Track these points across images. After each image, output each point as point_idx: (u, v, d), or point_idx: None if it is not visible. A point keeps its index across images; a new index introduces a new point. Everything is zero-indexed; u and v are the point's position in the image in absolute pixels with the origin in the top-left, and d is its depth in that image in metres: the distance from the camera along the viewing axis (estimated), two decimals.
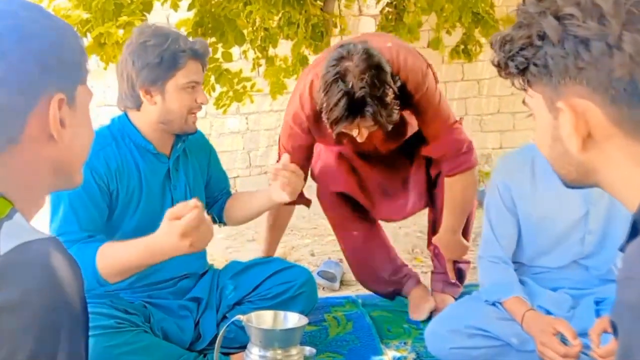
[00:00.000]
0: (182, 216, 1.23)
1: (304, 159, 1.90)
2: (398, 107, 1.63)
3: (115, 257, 1.34)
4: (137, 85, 1.51)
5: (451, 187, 1.93)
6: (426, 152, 1.92)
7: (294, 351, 1.27)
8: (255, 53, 4.26)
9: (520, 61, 0.71)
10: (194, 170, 1.73)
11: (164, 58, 1.48)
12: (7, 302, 0.57)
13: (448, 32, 4.34)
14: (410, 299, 2.08)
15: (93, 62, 4.91)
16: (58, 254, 0.62)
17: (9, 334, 0.56)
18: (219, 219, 1.85)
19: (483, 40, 4.41)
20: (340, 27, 4.24)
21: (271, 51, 4.26)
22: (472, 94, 5.60)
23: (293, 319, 1.39)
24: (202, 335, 1.62)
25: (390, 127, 1.64)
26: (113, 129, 1.60)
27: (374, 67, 1.56)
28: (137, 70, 1.50)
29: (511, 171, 1.67)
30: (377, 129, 1.66)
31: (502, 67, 0.75)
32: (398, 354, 1.75)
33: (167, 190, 1.64)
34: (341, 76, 1.56)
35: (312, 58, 4.51)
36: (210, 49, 3.13)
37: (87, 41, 3.15)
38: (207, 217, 1.28)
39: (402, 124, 1.85)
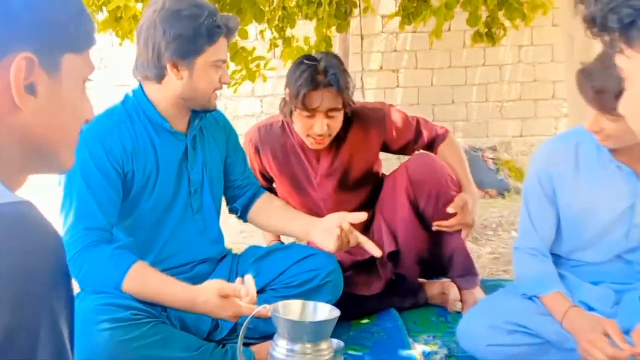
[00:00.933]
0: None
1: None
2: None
3: (149, 286, 1.33)
4: (165, 57, 1.40)
5: (445, 154, 1.94)
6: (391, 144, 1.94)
7: (324, 345, 1.16)
8: (272, 33, 4.16)
9: (627, 13, 0.60)
10: (210, 149, 1.63)
11: (199, 32, 1.38)
12: None
13: (468, 22, 4.19)
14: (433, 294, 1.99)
15: (107, 41, 4.84)
16: (32, 218, 0.54)
17: None
18: (240, 214, 1.75)
19: (507, 23, 4.28)
20: (361, 6, 4.11)
21: (289, 32, 4.16)
22: (493, 80, 5.47)
23: (324, 311, 1.27)
24: (220, 325, 1.53)
25: (348, 107, 1.80)
26: (127, 105, 1.50)
27: (336, 57, 1.84)
28: (167, 41, 1.38)
29: (554, 160, 1.56)
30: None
31: (596, 22, 0.64)
32: (428, 349, 1.65)
33: (184, 169, 1.55)
34: (307, 57, 1.78)
35: (335, 39, 4.45)
36: None
37: (103, 16, 3.07)
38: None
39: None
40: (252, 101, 5.56)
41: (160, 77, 1.44)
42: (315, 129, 1.74)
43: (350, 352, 1.63)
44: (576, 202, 1.54)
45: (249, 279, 1.33)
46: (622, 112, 0.83)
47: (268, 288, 1.62)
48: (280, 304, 1.25)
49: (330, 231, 1.50)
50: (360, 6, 4.10)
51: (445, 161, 1.89)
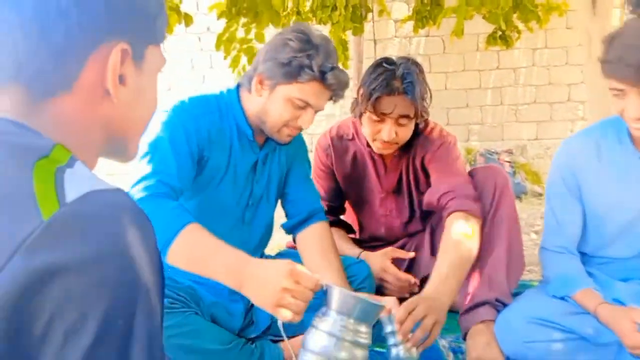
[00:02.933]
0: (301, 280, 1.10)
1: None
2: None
3: (200, 246, 1.19)
4: (257, 70, 1.45)
5: (447, 240, 1.57)
6: (432, 184, 1.75)
7: (364, 329, 1.12)
8: None
9: None
10: (279, 167, 1.63)
11: (291, 64, 1.38)
12: (76, 258, 0.49)
13: (485, 18, 4.19)
14: None
15: None
16: (130, 205, 0.55)
17: (79, 295, 0.48)
18: (288, 231, 1.69)
19: (521, 26, 4.27)
20: (374, 10, 4.12)
21: None
22: (507, 83, 5.45)
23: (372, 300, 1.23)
24: (255, 322, 1.53)
25: (421, 119, 1.74)
26: (221, 100, 1.52)
27: (415, 63, 1.72)
28: (265, 58, 1.43)
29: (576, 155, 1.54)
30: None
31: None
32: (456, 347, 1.63)
33: (250, 181, 1.56)
34: (385, 60, 1.71)
35: (351, 41, 4.45)
36: (241, 28, 3.01)
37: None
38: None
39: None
40: None
41: (248, 88, 1.49)
42: (383, 134, 1.69)
43: (377, 349, 1.61)
44: (600, 197, 1.51)
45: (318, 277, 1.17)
46: None
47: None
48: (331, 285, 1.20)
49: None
50: (374, 10, 4.11)
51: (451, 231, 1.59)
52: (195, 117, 1.43)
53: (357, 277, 1.62)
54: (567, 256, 1.55)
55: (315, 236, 1.60)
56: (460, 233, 1.55)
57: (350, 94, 5.36)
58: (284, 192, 1.68)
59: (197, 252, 1.19)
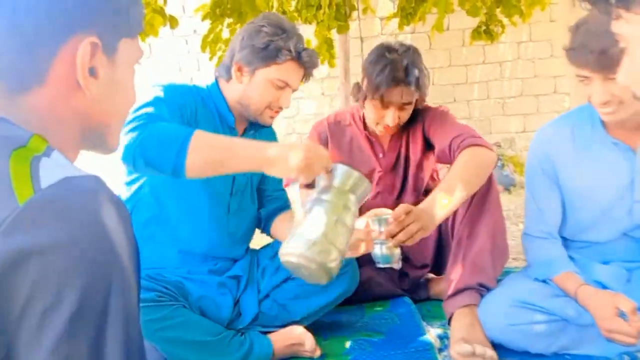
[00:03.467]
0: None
1: None
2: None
3: (215, 145, 1.21)
4: (235, 58, 1.52)
5: (457, 162, 1.62)
6: (436, 144, 1.82)
7: (352, 199, 1.24)
8: None
9: None
10: None
11: (268, 47, 1.48)
12: (51, 240, 0.50)
13: (468, 13, 4.22)
14: None
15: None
16: (105, 191, 0.56)
17: (55, 275, 0.50)
18: (263, 226, 1.78)
19: (505, 20, 4.31)
20: (359, 8, 4.15)
21: None
22: (493, 77, 5.50)
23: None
24: (242, 314, 1.56)
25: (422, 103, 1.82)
26: (200, 90, 1.57)
27: (416, 51, 1.79)
28: (241, 46, 1.52)
29: (551, 140, 1.57)
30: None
31: None
32: (442, 333, 1.66)
33: None
34: (387, 49, 1.77)
35: (335, 42, 4.47)
36: (226, 29, 3.05)
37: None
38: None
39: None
40: None
41: (227, 77, 1.55)
42: (387, 120, 1.78)
43: (365, 338, 1.65)
44: (576, 182, 1.54)
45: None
46: (624, 80, 0.81)
47: (288, 279, 1.64)
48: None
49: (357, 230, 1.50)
50: (359, 8, 4.14)
51: (455, 164, 1.63)
52: (183, 94, 1.48)
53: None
54: (550, 241, 1.58)
55: (289, 217, 1.72)
56: (468, 160, 1.61)
57: (336, 92, 5.37)
58: (260, 187, 1.74)
59: (214, 152, 1.20)
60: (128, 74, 0.72)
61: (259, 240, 1.84)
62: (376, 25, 5.43)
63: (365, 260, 1.87)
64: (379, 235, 1.45)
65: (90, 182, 0.56)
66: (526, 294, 1.51)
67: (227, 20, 3.42)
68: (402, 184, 1.96)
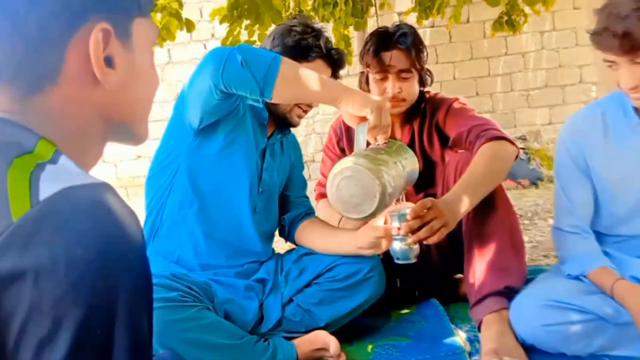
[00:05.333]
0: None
1: None
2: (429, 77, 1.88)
3: (301, 72, 1.30)
4: None
5: (478, 157, 1.57)
6: (449, 131, 1.79)
7: (405, 163, 1.34)
8: None
9: None
10: (283, 166, 1.71)
11: (299, 45, 1.54)
12: (46, 261, 0.45)
13: (489, 3, 4.14)
14: None
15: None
16: (113, 202, 0.50)
17: (51, 301, 0.44)
18: (287, 234, 1.76)
19: (527, 9, 4.20)
20: (376, 4, 4.09)
21: None
22: (517, 69, 5.38)
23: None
24: (265, 318, 1.52)
25: (416, 77, 1.80)
26: None
27: (411, 27, 1.82)
28: (272, 45, 1.56)
29: (581, 129, 1.49)
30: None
31: None
32: (473, 335, 1.59)
33: (259, 166, 1.60)
34: (379, 27, 1.86)
35: (353, 39, 4.43)
36: (244, 30, 3.09)
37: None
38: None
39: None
40: None
41: None
42: (388, 90, 1.78)
43: (392, 342, 1.60)
44: (609, 172, 1.47)
45: None
46: None
47: (313, 283, 1.62)
48: None
49: (376, 228, 1.49)
50: (376, 3, 4.08)
51: (476, 159, 1.58)
52: None
53: (364, 266, 1.61)
54: (582, 235, 1.51)
55: (313, 224, 1.71)
56: (491, 154, 1.57)
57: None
58: (283, 193, 1.74)
59: (302, 72, 1.30)
60: (147, 56, 0.66)
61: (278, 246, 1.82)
62: (394, 20, 5.36)
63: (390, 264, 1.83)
64: (398, 232, 1.41)
65: (95, 192, 0.49)
66: (560, 292, 1.44)
67: (245, 22, 3.40)
68: (420, 178, 1.90)
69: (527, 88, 5.42)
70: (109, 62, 0.60)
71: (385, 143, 1.37)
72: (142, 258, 0.51)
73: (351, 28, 3.96)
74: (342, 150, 1.95)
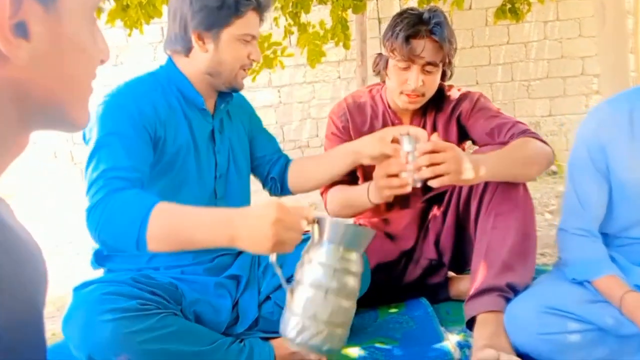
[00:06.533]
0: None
1: None
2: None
3: (177, 219, 1.07)
4: (190, 28, 1.35)
5: (511, 145, 1.51)
6: (477, 130, 1.71)
7: (355, 257, 1.09)
8: (286, 20, 4.03)
9: None
10: (238, 134, 1.56)
11: (225, 3, 1.33)
12: None
13: None
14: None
15: (122, 37, 4.77)
16: (6, 220, 0.43)
17: None
18: (280, 188, 1.65)
19: None
20: None
21: (303, 18, 4.02)
22: (518, 58, 5.26)
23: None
24: (240, 318, 1.42)
25: (447, 72, 1.69)
26: (158, 76, 1.43)
27: (443, 14, 1.65)
28: (193, 11, 1.34)
29: (605, 126, 1.37)
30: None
31: None
32: (463, 340, 1.50)
33: (211, 151, 1.47)
34: (410, 9, 1.67)
35: (352, 23, 4.29)
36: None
37: (110, 5, 2.99)
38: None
39: None
40: (270, 91, 5.45)
41: (187, 50, 1.39)
42: (410, 82, 1.63)
43: (378, 345, 1.50)
44: (631, 173, 1.35)
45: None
46: None
47: (292, 278, 1.50)
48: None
49: (384, 139, 1.42)
50: None
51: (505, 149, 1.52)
52: (136, 98, 1.32)
53: None
54: (589, 239, 1.40)
55: (299, 163, 1.63)
56: (530, 145, 1.50)
57: (352, 75, 5.19)
58: (257, 157, 1.62)
59: (176, 227, 1.07)
60: (83, 23, 0.53)
61: None
62: (395, 4, 5.21)
63: (378, 260, 1.74)
64: (407, 156, 1.37)
65: None
66: (559, 299, 1.35)
67: None
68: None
69: (528, 78, 5.30)
70: (21, 29, 0.47)
71: (314, 246, 1.12)
72: (28, 281, 0.44)
73: (350, 11, 3.82)
74: (349, 135, 1.83)
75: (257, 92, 5.42)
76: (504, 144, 1.56)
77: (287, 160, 1.65)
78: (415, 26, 1.60)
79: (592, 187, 1.39)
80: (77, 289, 1.24)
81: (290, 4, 3.93)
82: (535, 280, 1.49)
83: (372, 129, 1.79)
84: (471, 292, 1.48)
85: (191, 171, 1.41)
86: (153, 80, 1.40)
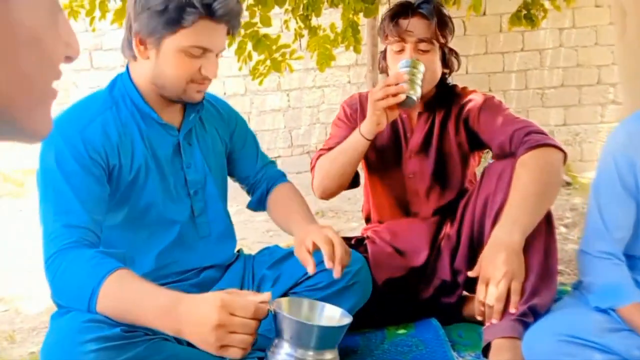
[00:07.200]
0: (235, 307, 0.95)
1: None
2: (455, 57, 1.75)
3: (126, 293, 1.03)
4: (133, 29, 1.20)
5: (520, 168, 1.44)
6: (488, 139, 1.63)
7: (329, 355, 1.00)
8: (297, 23, 3.96)
9: None
10: (214, 144, 1.42)
11: (168, 7, 1.15)
12: None
13: None
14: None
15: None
16: None
17: None
18: (256, 208, 1.57)
19: (547, 4, 3.98)
20: None
21: (314, 21, 3.95)
22: (533, 66, 5.16)
23: (333, 314, 1.15)
24: None
25: (437, 52, 1.66)
26: (114, 89, 1.31)
27: (437, 3, 1.67)
28: (136, 12, 1.18)
29: (636, 140, 1.27)
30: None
31: None
32: None
33: (178, 168, 1.34)
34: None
35: (363, 27, 4.21)
36: (246, 12, 2.82)
37: (115, 4, 2.92)
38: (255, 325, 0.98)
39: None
40: (279, 95, 5.37)
41: (132, 55, 1.25)
42: (406, 50, 1.63)
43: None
44: None
45: (266, 296, 1.02)
46: None
47: (289, 292, 1.41)
48: (285, 300, 1.12)
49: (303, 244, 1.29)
50: None
51: (521, 170, 1.45)
52: (84, 127, 1.21)
53: (348, 270, 1.37)
54: (613, 262, 1.31)
55: (277, 198, 1.50)
56: (538, 167, 1.43)
57: (363, 80, 5.08)
58: (239, 177, 1.53)
59: (123, 301, 1.02)
60: (38, 12, 0.44)
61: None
62: None
63: (388, 275, 1.65)
64: (408, 77, 1.47)
65: None
66: (580, 327, 1.25)
67: (247, 2, 3.19)
68: (435, 172, 1.74)
69: (543, 86, 5.19)
70: None
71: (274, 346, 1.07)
72: None
73: (361, 15, 3.73)
74: (356, 123, 1.76)
75: (266, 96, 5.35)
76: (516, 155, 1.49)
77: (269, 188, 1.53)
78: (403, 6, 1.65)
79: (618, 207, 1.30)
80: (54, 317, 1.13)
81: (301, 7, 3.86)
82: (555, 304, 1.40)
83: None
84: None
85: (156, 193, 1.29)
86: (105, 98, 1.28)
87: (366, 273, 1.48)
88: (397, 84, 1.47)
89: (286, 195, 1.50)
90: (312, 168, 1.74)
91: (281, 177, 1.56)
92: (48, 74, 0.46)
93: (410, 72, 1.49)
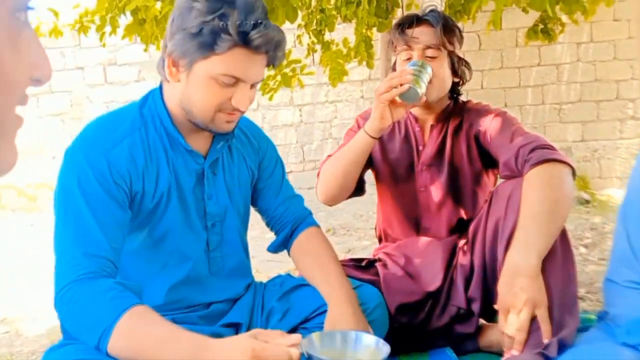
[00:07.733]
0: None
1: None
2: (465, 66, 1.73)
3: (145, 335, 0.96)
4: (167, 49, 1.15)
5: (526, 188, 1.37)
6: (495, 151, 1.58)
7: None
8: (310, 38, 3.93)
9: None
10: (240, 175, 1.35)
11: (202, 31, 1.08)
12: None
13: (524, 10, 3.87)
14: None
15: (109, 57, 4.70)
16: None
17: None
18: (276, 251, 1.48)
19: (565, 18, 3.90)
20: (404, 3, 3.82)
21: (327, 36, 3.92)
22: (549, 81, 5.08)
23: (368, 342, 1.08)
24: None
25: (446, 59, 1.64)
26: (144, 107, 1.23)
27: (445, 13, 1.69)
28: (171, 32, 1.13)
29: None
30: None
31: None
32: None
33: (199, 198, 1.27)
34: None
35: (377, 42, 4.17)
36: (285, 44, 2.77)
37: (126, 20, 2.91)
38: None
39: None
40: (291, 110, 5.34)
41: (164, 74, 1.19)
42: (414, 56, 1.63)
43: None
44: None
45: (296, 338, 0.96)
46: None
47: (300, 327, 1.33)
48: (316, 336, 1.05)
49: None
50: (403, 4, 3.81)
51: (529, 189, 1.38)
52: (110, 148, 1.14)
53: (366, 307, 1.31)
54: None
55: (304, 246, 1.40)
56: (542, 180, 1.36)
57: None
58: (259, 209, 1.44)
59: (142, 343, 0.94)
60: (2, 34, 0.39)
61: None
62: None
63: (401, 301, 1.58)
64: (413, 73, 1.46)
65: None
66: None
67: None
68: (447, 185, 1.69)
69: (560, 102, 5.10)
70: None
71: None
72: None
73: (374, 30, 3.69)
74: None
75: (278, 111, 5.32)
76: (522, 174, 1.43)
77: (293, 230, 1.43)
78: (409, 16, 1.67)
79: None
80: (49, 352, 1.06)
81: (315, 22, 3.83)
82: (580, 339, 1.31)
83: (392, 134, 1.74)
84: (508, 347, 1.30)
85: (175, 222, 1.23)
86: (135, 116, 1.22)
87: (383, 310, 1.41)
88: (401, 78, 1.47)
89: (316, 250, 1.39)
90: (319, 174, 1.70)
91: (307, 217, 1.46)
92: (8, 101, 0.41)
93: (416, 69, 1.48)
